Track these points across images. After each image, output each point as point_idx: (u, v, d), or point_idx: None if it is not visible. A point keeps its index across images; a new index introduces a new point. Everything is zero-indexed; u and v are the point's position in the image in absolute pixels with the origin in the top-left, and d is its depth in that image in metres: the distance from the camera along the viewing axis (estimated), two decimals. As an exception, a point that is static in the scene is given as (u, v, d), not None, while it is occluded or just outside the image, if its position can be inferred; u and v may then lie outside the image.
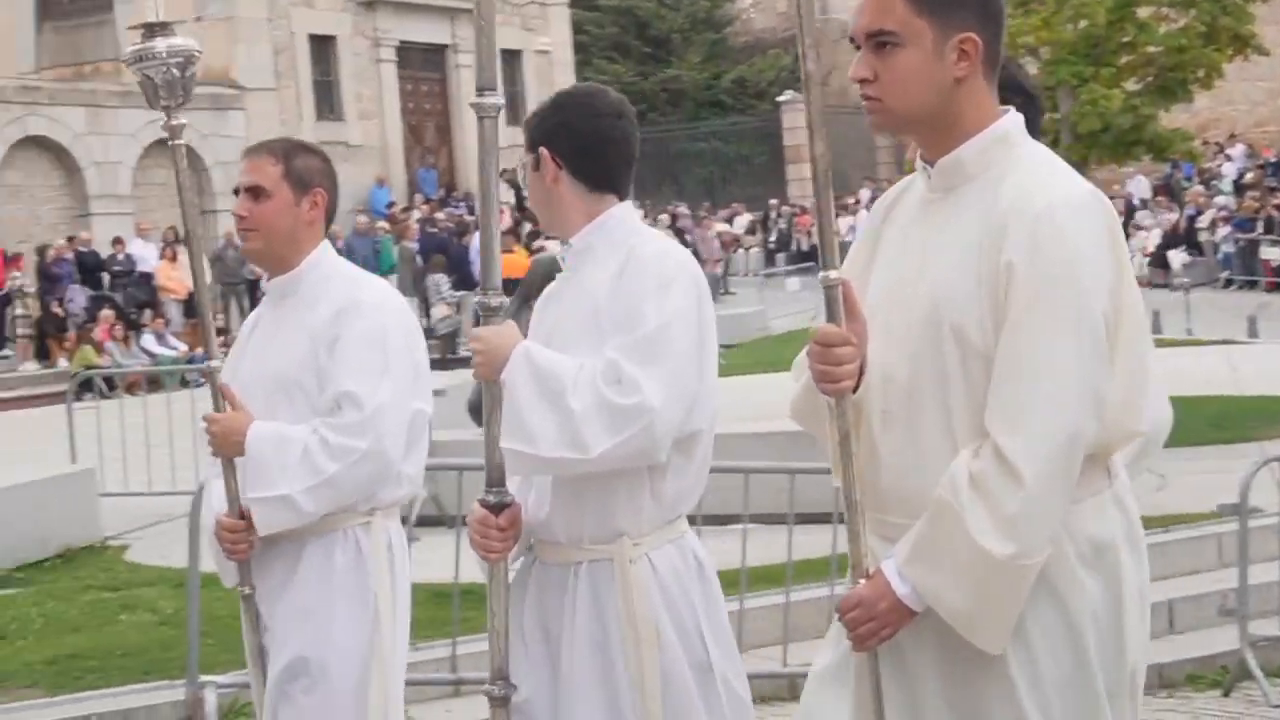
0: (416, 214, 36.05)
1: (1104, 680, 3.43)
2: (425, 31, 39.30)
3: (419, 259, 32.38)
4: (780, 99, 47.10)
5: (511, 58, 41.01)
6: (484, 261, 4.08)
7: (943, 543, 3.33)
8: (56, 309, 29.39)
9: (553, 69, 42.20)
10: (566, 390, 3.97)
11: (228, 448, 4.86)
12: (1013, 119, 3.52)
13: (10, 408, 25.58)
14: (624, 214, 4.32)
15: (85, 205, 32.83)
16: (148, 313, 29.99)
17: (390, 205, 36.63)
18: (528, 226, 35.14)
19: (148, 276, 31.00)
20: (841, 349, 3.40)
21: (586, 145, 4.27)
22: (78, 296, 29.62)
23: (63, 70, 35.80)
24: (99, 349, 27.56)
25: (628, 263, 4.15)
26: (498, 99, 4.01)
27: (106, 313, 28.73)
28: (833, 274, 3.41)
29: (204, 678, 8.03)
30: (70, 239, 30.77)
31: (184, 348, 28.67)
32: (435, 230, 34.73)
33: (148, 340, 29.26)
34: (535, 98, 41.16)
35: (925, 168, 3.54)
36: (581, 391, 3.97)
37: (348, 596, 4.84)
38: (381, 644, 4.82)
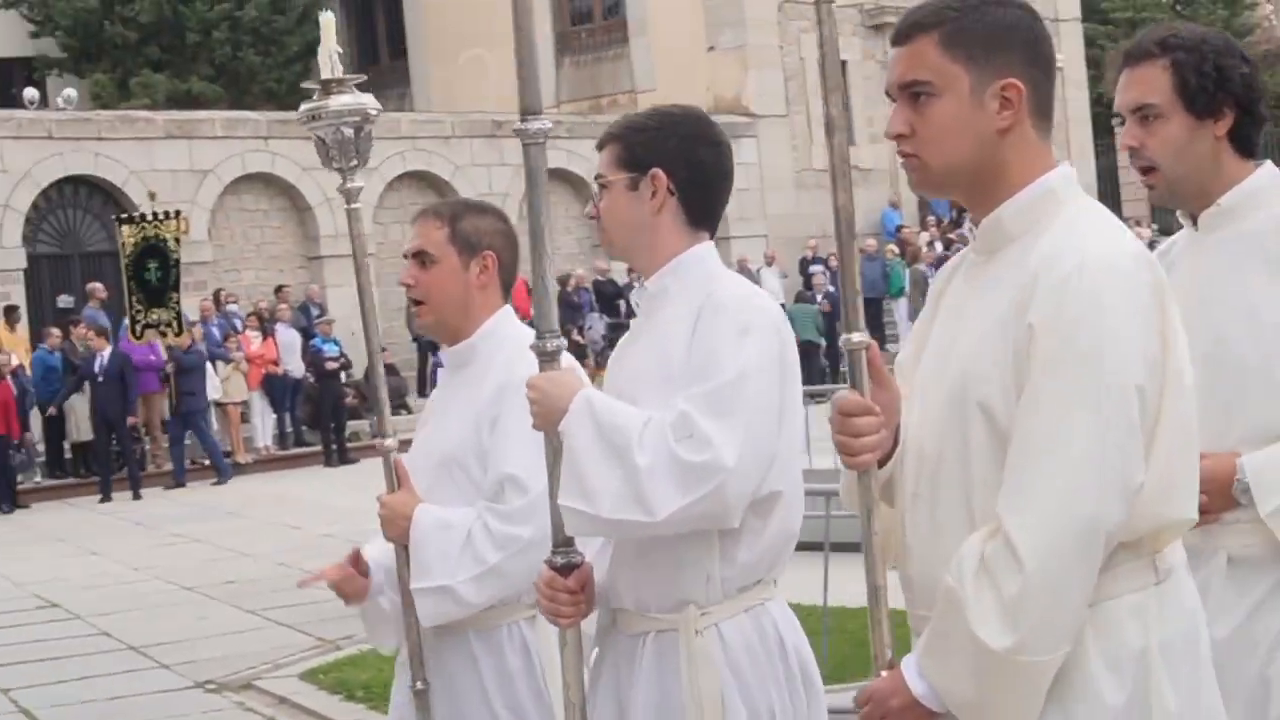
0: (926, 236, 35.78)
1: None
2: (935, 52, 38.98)
3: (931, 282, 32.08)
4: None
5: (1023, 75, 40.31)
6: (537, 302, 3.75)
7: (949, 633, 2.97)
8: (577, 337, 30.19)
9: (1064, 85, 41.30)
10: (632, 445, 3.59)
11: (394, 532, 4.45)
12: (1063, 173, 3.15)
13: (534, 433, 26.35)
14: (705, 254, 3.92)
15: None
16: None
17: (900, 228, 36.42)
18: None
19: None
20: (861, 419, 3.06)
21: (705, 175, 3.91)
22: (596, 324, 30.35)
23: (580, 104, 36.85)
24: (617, 375, 28.09)
25: (705, 308, 3.75)
26: (543, 123, 3.73)
27: (624, 340, 29.32)
28: (855, 336, 3.08)
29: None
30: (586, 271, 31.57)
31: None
32: (948, 253, 34.43)
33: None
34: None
35: (972, 229, 3.22)
36: (649, 446, 3.59)
37: (520, 704, 4.39)
38: None
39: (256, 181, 29.77)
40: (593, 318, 30.48)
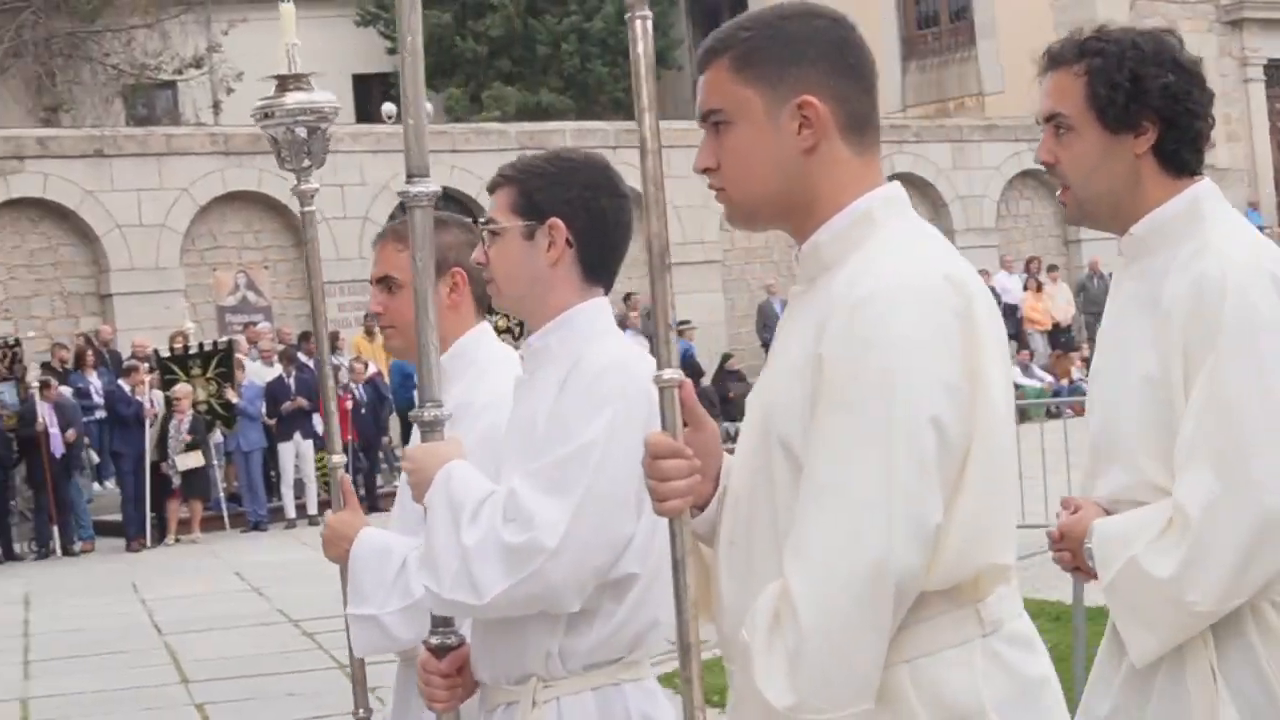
0: (1288, 237, 34.69)
1: None
2: (1295, 47, 37.79)
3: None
4: None
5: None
6: (421, 368, 3.55)
7: (743, 691, 2.73)
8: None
9: None
10: (463, 522, 3.41)
11: (335, 552, 4.18)
12: (884, 194, 2.88)
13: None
14: (592, 312, 3.67)
15: (951, 239, 33.32)
16: (1013, 344, 30.18)
17: (1261, 229, 35.30)
18: None
19: (1012, 309, 31.16)
20: (669, 463, 2.80)
21: (605, 227, 3.68)
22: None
23: (926, 108, 36.59)
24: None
25: (569, 375, 3.51)
26: (429, 186, 3.53)
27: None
28: (666, 373, 2.81)
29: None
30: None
31: (1049, 379, 28.61)
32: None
33: (1013, 373, 29.39)
34: None
35: (797, 256, 2.95)
36: (481, 524, 3.39)
37: None
38: None
39: (605, 190, 30.21)
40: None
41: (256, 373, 23.90)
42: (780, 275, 31.61)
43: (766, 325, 30.09)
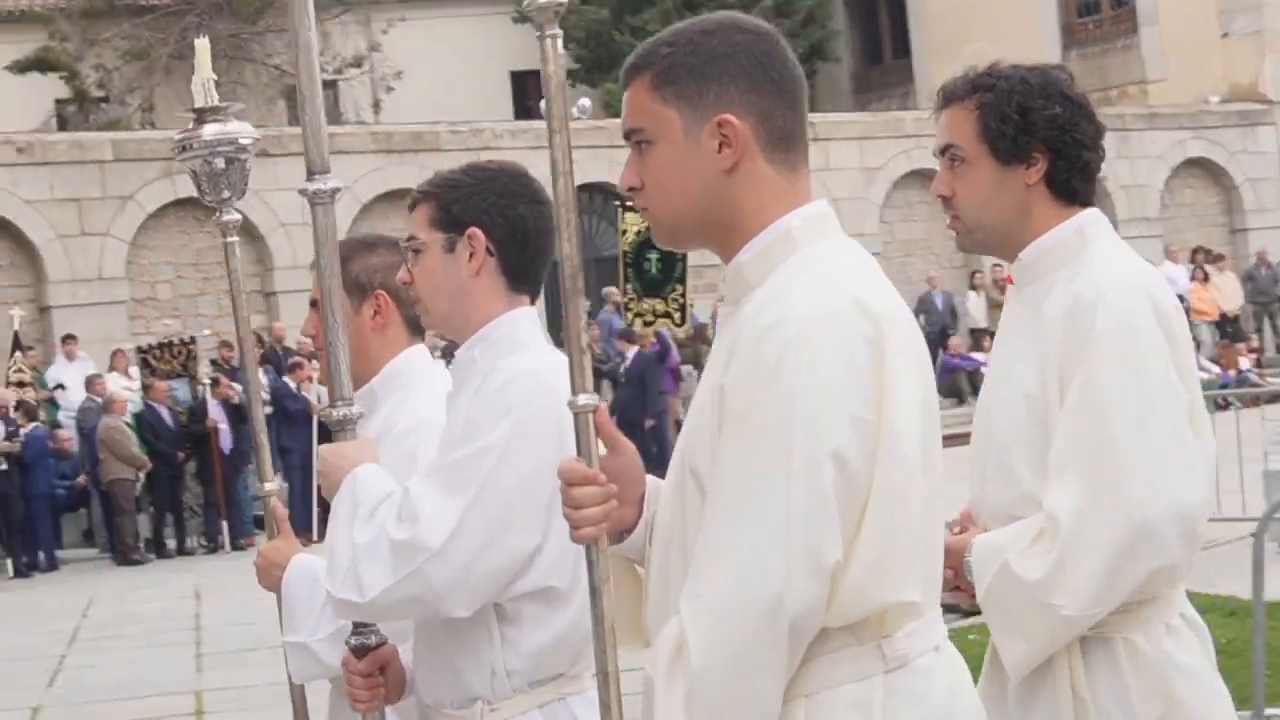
0: None
1: None
2: None
3: None
4: None
5: None
6: (331, 367, 3.53)
7: None
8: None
9: None
10: (357, 521, 3.40)
11: (268, 581, 4.10)
12: (806, 212, 2.80)
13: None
14: (519, 321, 3.63)
15: (1115, 229, 32.91)
16: (1178, 335, 29.74)
17: None
18: None
19: (1179, 299, 30.73)
20: (581, 490, 2.75)
21: (524, 233, 3.63)
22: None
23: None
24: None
25: (482, 383, 3.49)
26: (329, 183, 3.49)
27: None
28: (581, 399, 2.77)
29: (1269, 710, 7.89)
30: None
31: (1216, 370, 28.17)
32: None
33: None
34: None
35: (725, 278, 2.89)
36: (375, 524, 3.38)
37: None
38: None
39: (763, 184, 30.19)
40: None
41: (419, 369, 24.08)
42: (942, 267, 31.46)
43: (928, 318, 29.95)
